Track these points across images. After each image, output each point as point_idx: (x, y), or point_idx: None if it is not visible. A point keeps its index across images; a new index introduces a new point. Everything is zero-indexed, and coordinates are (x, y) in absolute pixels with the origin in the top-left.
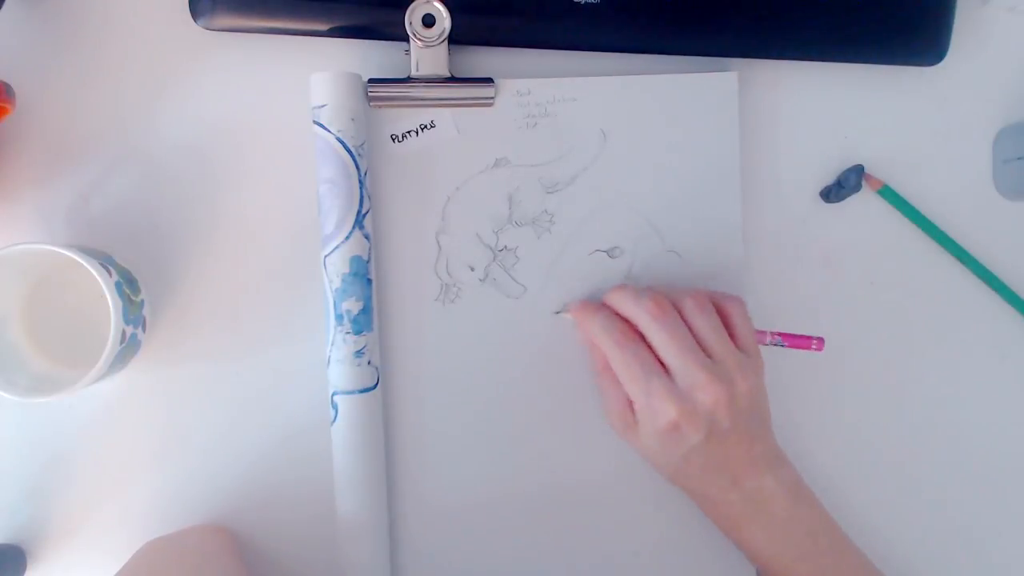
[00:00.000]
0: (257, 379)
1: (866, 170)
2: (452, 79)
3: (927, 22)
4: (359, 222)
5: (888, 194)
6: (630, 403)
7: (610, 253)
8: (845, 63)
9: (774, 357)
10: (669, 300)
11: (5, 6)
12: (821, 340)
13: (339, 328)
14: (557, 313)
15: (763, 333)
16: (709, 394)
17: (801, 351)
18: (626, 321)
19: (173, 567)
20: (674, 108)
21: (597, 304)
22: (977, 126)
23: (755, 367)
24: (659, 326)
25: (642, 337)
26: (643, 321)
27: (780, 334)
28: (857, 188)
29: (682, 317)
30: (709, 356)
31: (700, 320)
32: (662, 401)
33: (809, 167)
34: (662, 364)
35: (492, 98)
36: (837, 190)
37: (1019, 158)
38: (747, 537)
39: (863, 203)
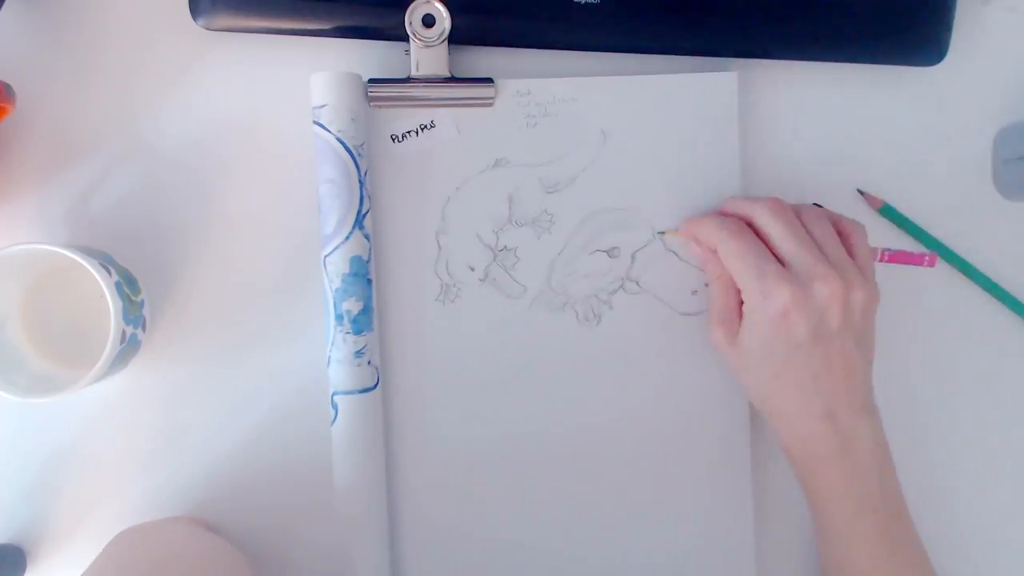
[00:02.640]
0: (257, 379)
1: (864, 191)
2: (452, 79)
3: (927, 22)
4: (359, 222)
5: (889, 212)
6: (738, 309)
7: (610, 253)
8: (845, 63)
9: None
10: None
11: (5, 6)
12: (934, 255)
13: (339, 328)
14: (661, 233)
15: (874, 250)
16: (826, 285)
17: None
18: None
19: (144, 557)
20: (674, 108)
21: (708, 214)
22: (977, 126)
23: (872, 287)
24: (778, 220)
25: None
26: (762, 215)
27: (890, 252)
28: None
29: (800, 223)
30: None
31: (819, 228)
32: (776, 284)
33: (809, 167)
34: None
35: (492, 98)
36: None
37: (1019, 158)
38: (821, 482)
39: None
